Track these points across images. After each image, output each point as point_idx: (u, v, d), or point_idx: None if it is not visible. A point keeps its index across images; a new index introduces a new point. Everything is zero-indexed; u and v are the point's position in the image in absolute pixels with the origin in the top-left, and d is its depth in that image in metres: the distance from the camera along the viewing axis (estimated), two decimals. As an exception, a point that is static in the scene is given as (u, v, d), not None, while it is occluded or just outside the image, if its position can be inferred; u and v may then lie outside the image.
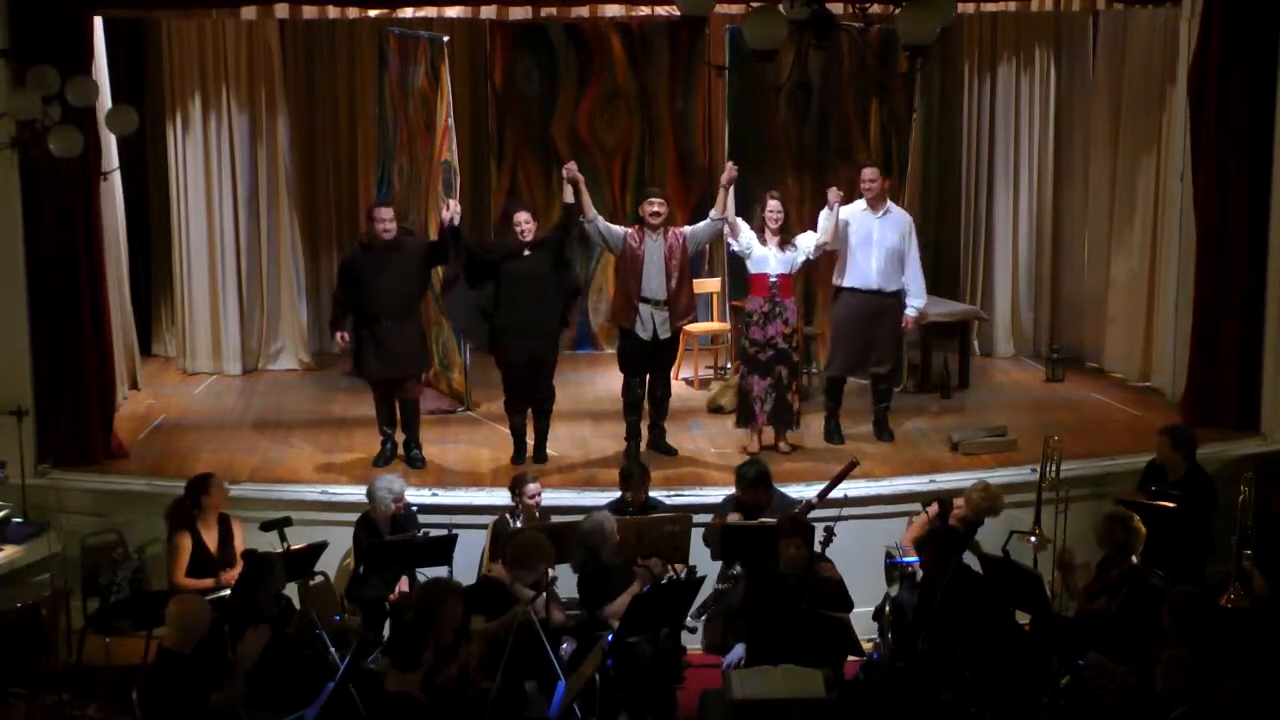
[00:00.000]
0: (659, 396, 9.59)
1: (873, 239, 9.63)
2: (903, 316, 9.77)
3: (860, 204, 9.70)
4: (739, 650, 7.36)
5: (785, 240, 9.41)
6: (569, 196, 9.25)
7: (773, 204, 9.38)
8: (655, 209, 9.27)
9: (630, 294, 9.29)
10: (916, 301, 9.78)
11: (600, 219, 9.30)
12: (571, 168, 9.21)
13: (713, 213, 9.42)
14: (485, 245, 9.68)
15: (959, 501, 8.02)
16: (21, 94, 7.79)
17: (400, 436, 9.48)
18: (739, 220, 9.42)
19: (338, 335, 9.46)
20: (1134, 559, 7.22)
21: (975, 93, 12.05)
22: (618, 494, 8.35)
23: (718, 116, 11.79)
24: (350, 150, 12.29)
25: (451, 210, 9.24)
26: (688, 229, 9.48)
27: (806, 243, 9.50)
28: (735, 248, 9.52)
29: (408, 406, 9.43)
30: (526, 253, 9.21)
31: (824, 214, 9.55)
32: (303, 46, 12.09)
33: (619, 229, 9.36)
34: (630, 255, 9.27)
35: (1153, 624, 6.58)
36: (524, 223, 9.21)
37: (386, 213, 9.26)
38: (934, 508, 7.96)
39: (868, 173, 9.66)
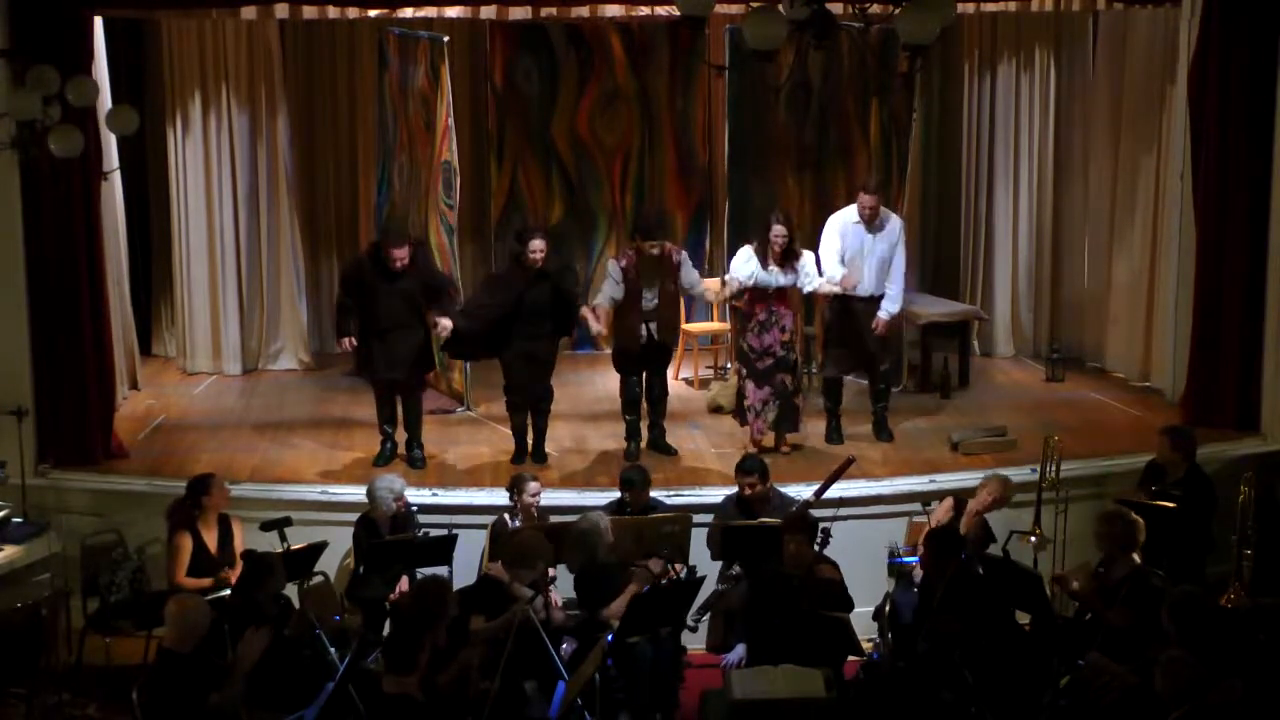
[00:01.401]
0: (656, 396, 9.60)
1: (863, 251, 9.64)
2: (875, 319, 9.76)
3: (852, 214, 9.66)
4: (740, 650, 7.36)
5: (789, 262, 9.38)
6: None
7: (777, 228, 9.29)
8: (654, 251, 9.24)
9: (635, 315, 9.33)
10: (891, 307, 9.74)
11: (608, 296, 9.31)
12: (590, 321, 9.32)
13: (709, 295, 9.57)
14: (495, 299, 9.38)
15: (981, 497, 8.03)
16: (21, 94, 7.78)
17: (401, 436, 9.48)
18: (734, 279, 9.42)
19: (345, 340, 9.43)
20: (1136, 556, 7.21)
21: (975, 93, 12.04)
22: (617, 494, 8.35)
23: (718, 116, 11.79)
24: (350, 150, 12.29)
25: (441, 329, 9.21)
26: (686, 262, 9.47)
27: (809, 271, 9.45)
28: (741, 284, 9.48)
29: (411, 405, 9.43)
30: (533, 281, 9.17)
31: (824, 282, 9.52)
32: (303, 46, 12.09)
33: (616, 274, 9.30)
34: (628, 283, 9.29)
35: (1153, 624, 6.58)
36: (537, 251, 9.13)
37: (401, 253, 9.06)
38: (949, 501, 7.99)
39: (866, 199, 9.56)
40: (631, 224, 9.13)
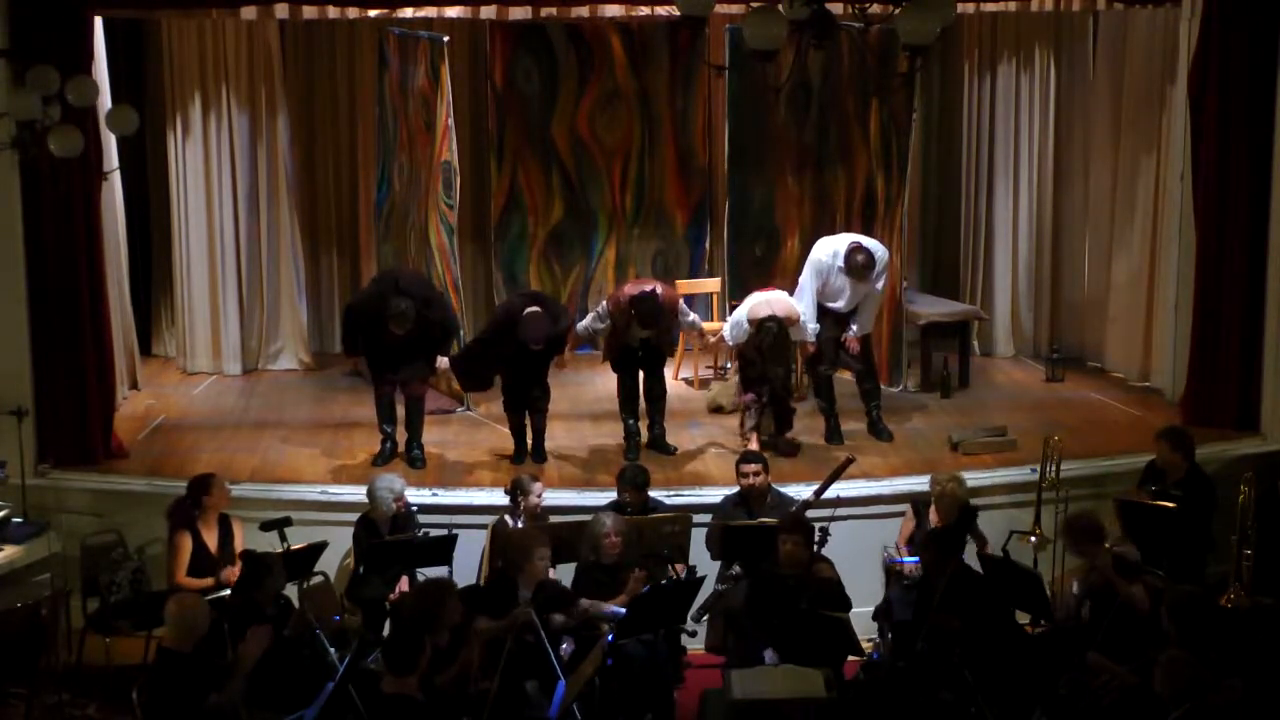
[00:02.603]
0: (656, 395, 9.61)
1: (846, 292, 9.71)
2: (846, 334, 9.81)
3: (839, 260, 9.60)
4: (770, 656, 7.28)
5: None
6: None
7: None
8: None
9: (624, 342, 9.43)
10: (861, 331, 9.84)
11: (588, 328, 9.49)
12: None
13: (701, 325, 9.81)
14: (497, 352, 9.44)
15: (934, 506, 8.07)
16: (21, 94, 7.79)
17: (401, 435, 9.49)
18: (725, 338, 9.61)
19: (357, 360, 9.43)
20: (1108, 545, 7.28)
21: (975, 93, 12.04)
22: (616, 493, 8.36)
23: (718, 116, 11.79)
24: (350, 150, 12.29)
25: (440, 367, 9.47)
26: (684, 310, 9.56)
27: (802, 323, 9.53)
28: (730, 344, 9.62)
29: (414, 404, 9.45)
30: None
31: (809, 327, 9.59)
32: (303, 46, 12.09)
33: (603, 315, 9.42)
34: (617, 324, 9.37)
35: (1152, 624, 6.59)
36: (536, 345, 9.14)
37: (401, 333, 9.04)
38: (909, 511, 8.02)
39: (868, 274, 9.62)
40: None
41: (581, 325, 9.59)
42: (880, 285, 9.78)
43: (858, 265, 9.52)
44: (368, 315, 9.26)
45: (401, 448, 9.48)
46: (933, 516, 8.05)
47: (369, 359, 9.49)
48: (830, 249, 9.71)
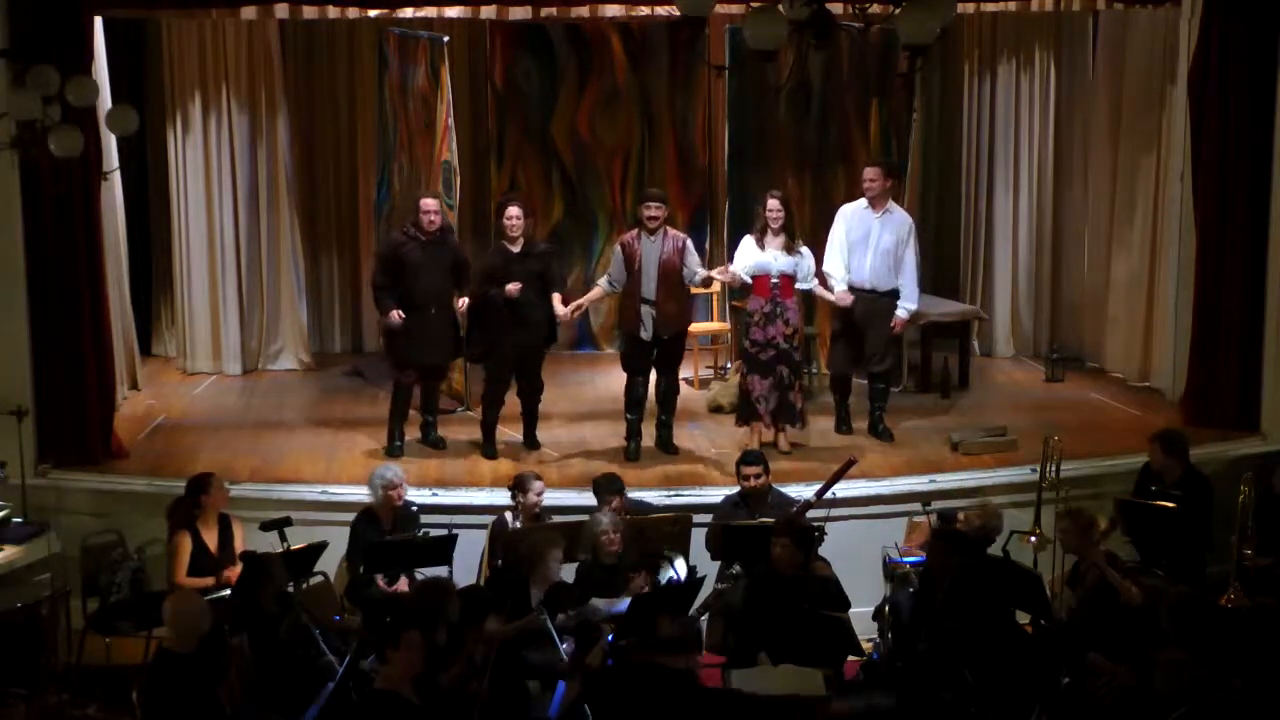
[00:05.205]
0: (665, 394, 9.57)
1: (869, 239, 9.64)
2: (894, 317, 9.76)
3: (861, 202, 9.71)
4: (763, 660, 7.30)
5: (789, 243, 9.38)
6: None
7: (772, 203, 9.38)
8: (653, 213, 9.28)
9: (635, 296, 9.31)
10: (909, 304, 9.79)
11: (608, 280, 9.40)
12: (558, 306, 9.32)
13: (699, 278, 9.49)
14: (491, 277, 9.40)
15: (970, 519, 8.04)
16: (21, 94, 7.79)
17: (411, 434, 9.63)
18: (735, 273, 9.43)
19: (393, 313, 9.29)
20: (1101, 543, 7.30)
21: (975, 93, 12.06)
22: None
23: (718, 116, 11.80)
24: (350, 150, 12.30)
25: (460, 308, 9.51)
26: (690, 245, 9.44)
27: (808, 267, 9.45)
28: (745, 279, 9.48)
29: (433, 391, 9.68)
30: (516, 250, 9.24)
31: (819, 286, 9.60)
32: (303, 46, 12.10)
33: (618, 255, 9.36)
34: (630, 259, 9.27)
35: (1152, 624, 6.59)
36: (514, 218, 9.26)
37: (432, 204, 9.34)
38: (933, 518, 8.00)
39: (869, 172, 9.65)
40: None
41: (599, 282, 9.53)
42: (913, 248, 9.73)
43: (869, 179, 9.58)
44: (396, 245, 9.40)
45: (420, 431, 9.66)
46: None
47: (390, 337, 9.49)
48: (850, 203, 9.80)
